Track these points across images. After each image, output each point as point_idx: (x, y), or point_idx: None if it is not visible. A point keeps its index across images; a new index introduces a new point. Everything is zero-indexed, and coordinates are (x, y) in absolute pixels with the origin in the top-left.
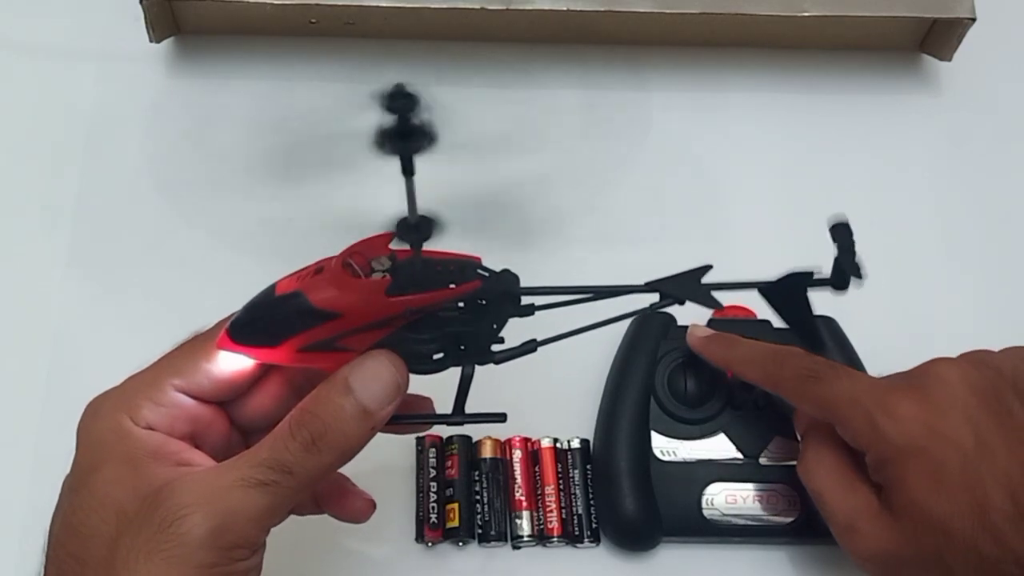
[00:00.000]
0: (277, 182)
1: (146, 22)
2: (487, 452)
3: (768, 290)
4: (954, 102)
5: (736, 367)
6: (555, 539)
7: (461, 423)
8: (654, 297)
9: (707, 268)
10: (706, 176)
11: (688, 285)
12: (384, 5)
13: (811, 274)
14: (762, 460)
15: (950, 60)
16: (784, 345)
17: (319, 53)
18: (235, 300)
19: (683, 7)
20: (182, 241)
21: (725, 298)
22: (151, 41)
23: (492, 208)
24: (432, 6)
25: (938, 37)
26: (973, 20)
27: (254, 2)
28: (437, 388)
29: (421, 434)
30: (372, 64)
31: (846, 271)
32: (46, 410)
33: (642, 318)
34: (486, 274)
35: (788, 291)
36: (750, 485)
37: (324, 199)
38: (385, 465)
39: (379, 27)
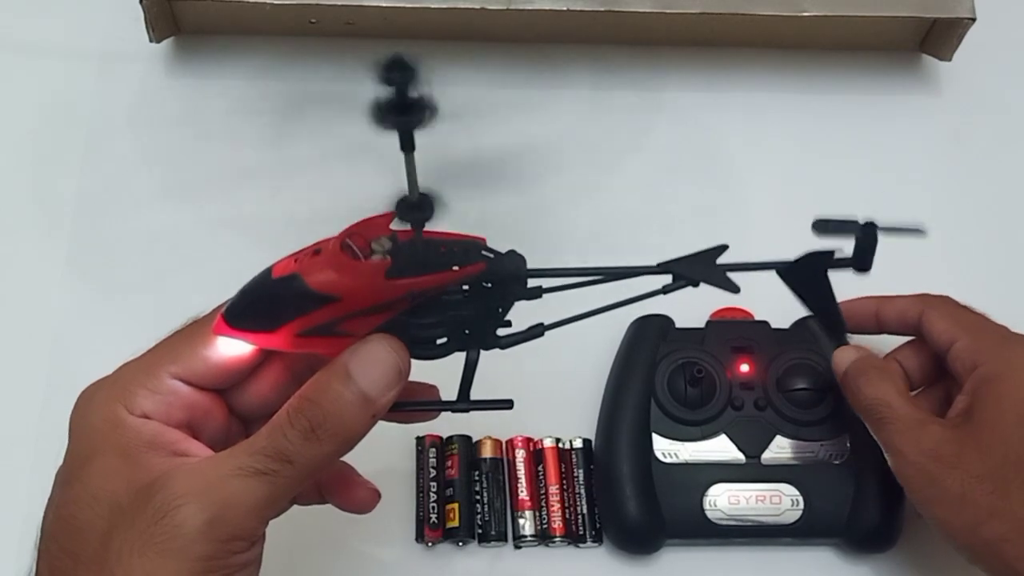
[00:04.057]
0: (277, 180)
1: (146, 22)
2: (487, 452)
3: (786, 271)
4: (954, 102)
5: (886, 303)
6: (557, 539)
7: (466, 410)
8: (667, 279)
9: (723, 248)
10: (706, 176)
11: (703, 266)
12: (384, 5)
13: (831, 254)
14: (764, 460)
15: (950, 60)
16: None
17: (319, 53)
18: None
19: (683, 7)
20: (182, 240)
21: (725, 301)
22: (151, 41)
23: (497, 192)
24: (432, 6)
25: (938, 37)
26: (973, 20)
27: (254, 2)
28: (440, 375)
29: (422, 430)
30: (372, 64)
31: (869, 251)
32: (45, 410)
33: (640, 322)
34: (491, 255)
35: (807, 272)
36: (752, 485)
37: (325, 197)
38: (385, 465)
39: (379, 27)
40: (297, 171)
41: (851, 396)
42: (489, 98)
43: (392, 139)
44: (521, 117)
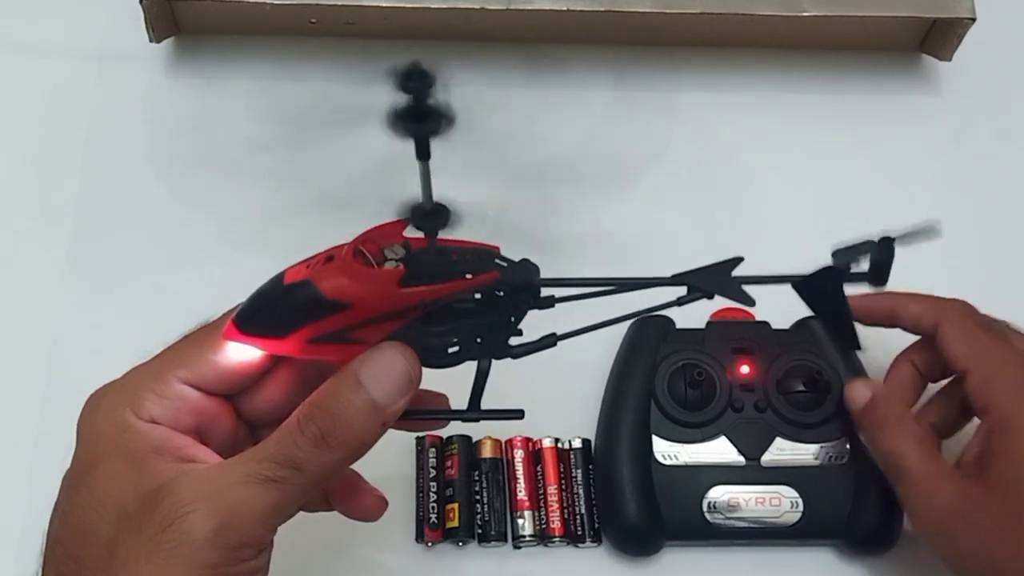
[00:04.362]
0: (278, 180)
1: (146, 22)
2: (487, 452)
3: (802, 285)
4: (954, 102)
5: (901, 301)
6: (557, 539)
7: (477, 419)
8: (681, 290)
9: (738, 260)
10: (706, 176)
11: (717, 278)
12: (384, 5)
13: (847, 268)
14: (764, 462)
15: (950, 60)
16: None
17: (319, 53)
18: (235, 300)
19: (683, 7)
20: (182, 240)
21: (725, 300)
22: (151, 41)
23: (496, 193)
24: (432, 6)
25: (938, 37)
26: (973, 20)
27: (254, 2)
28: (447, 383)
29: (422, 433)
30: (372, 64)
31: (885, 266)
32: (46, 411)
33: (640, 323)
34: (504, 264)
35: (823, 286)
36: (752, 487)
37: (327, 197)
38: (385, 465)
39: (379, 27)
40: (298, 171)
41: (869, 443)
42: (489, 98)
43: (393, 137)
44: (521, 117)
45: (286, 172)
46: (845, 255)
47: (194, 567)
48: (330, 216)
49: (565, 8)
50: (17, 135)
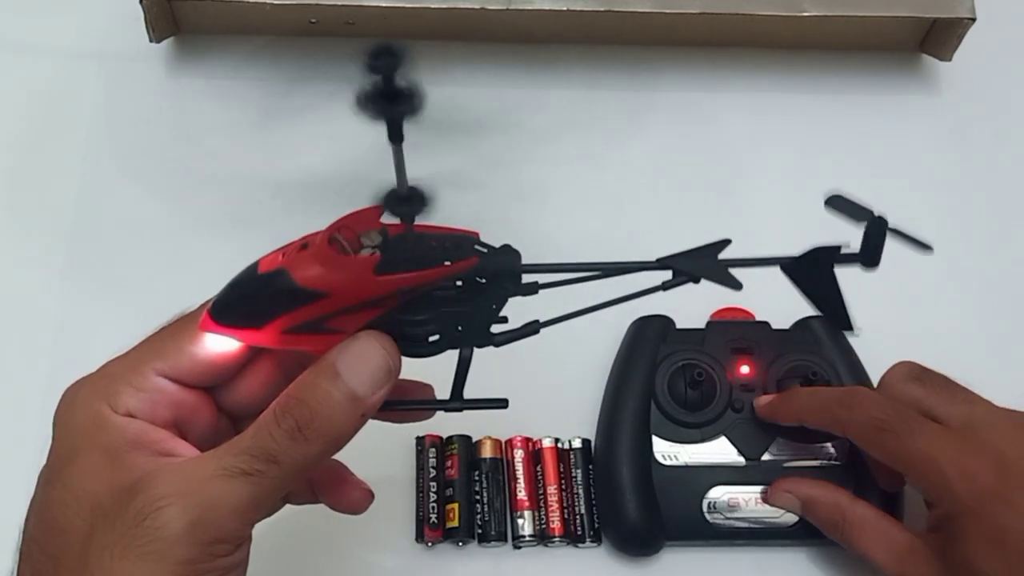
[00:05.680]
0: (277, 179)
1: (146, 22)
2: (487, 452)
3: (791, 267)
4: (954, 102)
5: (804, 417)
6: (556, 539)
7: (460, 409)
8: (667, 275)
9: (725, 243)
10: (706, 177)
11: (704, 262)
12: (384, 5)
13: (838, 249)
14: (764, 462)
15: (950, 60)
16: (848, 387)
17: (319, 53)
18: None
19: (683, 7)
20: (182, 240)
21: (725, 300)
22: (151, 41)
23: (496, 192)
24: (432, 6)
25: (938, 37)
26: (973, 20)
27: (254, 2)
28: (438, 374)
29: (421, 430)
30: (359, 53)
31: (878, 246)
32: (45, 410)
33: (641, 321)
34: (485, 250)
35: (813, 268)
36: (752, 487)
37: (326, 196)
38: (385, 465)
39: (379, 27)
40: (297, 170)
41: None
42: (489, 98)
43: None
44: (521, 117)
45: (285, 170)
46: (838, 204)
47: (169, 563)
48: (331, 214)
49: (565, 8)
50: (17, 135)
